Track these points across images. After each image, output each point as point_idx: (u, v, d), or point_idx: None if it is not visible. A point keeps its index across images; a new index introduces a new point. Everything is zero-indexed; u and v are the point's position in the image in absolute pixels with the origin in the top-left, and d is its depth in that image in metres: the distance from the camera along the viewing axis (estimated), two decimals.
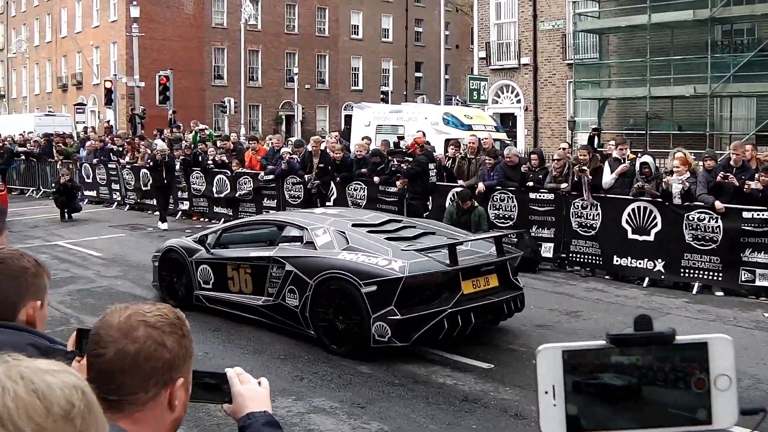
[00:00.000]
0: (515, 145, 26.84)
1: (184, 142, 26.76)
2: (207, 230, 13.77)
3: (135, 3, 44.78)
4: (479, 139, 19.35)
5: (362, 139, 23.65)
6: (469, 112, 27.92)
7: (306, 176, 20.37)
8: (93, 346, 2.15)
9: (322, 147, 20.88)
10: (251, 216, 20.00)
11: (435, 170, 18.24)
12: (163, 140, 26.12)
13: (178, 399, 2.18)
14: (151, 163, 23.51)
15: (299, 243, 11.35)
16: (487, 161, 17.59)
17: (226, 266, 12.08)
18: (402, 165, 18.24)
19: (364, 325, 10.00)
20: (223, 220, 23.10)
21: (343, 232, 11.07)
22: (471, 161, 18.43)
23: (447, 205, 17.29)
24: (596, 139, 24.82)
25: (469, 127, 25.02)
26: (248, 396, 2.53)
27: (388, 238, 10.99)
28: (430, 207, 18.06)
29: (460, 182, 17.78)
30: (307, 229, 11.38)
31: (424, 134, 20.88)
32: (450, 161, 19.06)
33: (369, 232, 11.21)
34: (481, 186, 17.05)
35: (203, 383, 2.49)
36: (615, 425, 1.64)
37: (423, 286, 10.13)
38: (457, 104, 40.08)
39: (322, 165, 20.22)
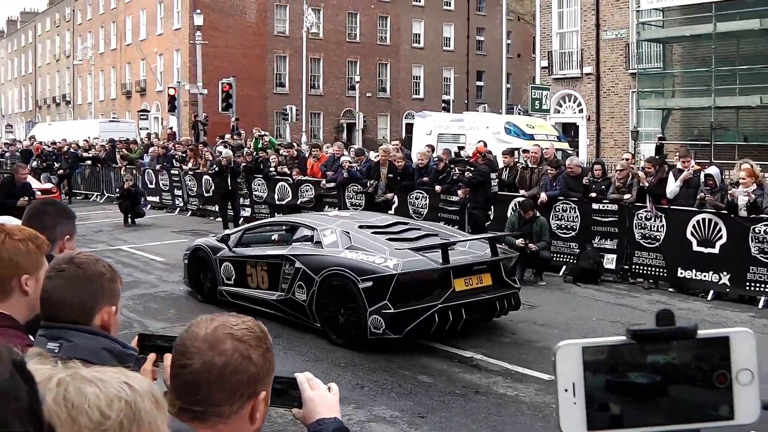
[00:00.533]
0: (577, 155, 26.63)
1: (246, 149, 26.93)
2: (231, 230, 14.85)
3: (199, 11, 45.26)
4: (541, 148, 19.20)
5: (424, 147, 23.63)
6: (531, 122, 27.82)
7: (372, 184, 20.26)
8: (178, 357, 2.18)
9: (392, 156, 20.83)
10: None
11: (497, 179, 18.16)
12: (226, 146, 26.34)
13: (259, 411, 2.21)
14: (216, 169, 23.74)
15: (310, 242, 12.28)
16: (549, 171, 17.47)
17: (245, 264, 12.90)
18: (464, 174, 18.16)
19: (361, 317, 10.76)
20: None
21: (348, 233, 11.89)
22: (533, 171, 18.29)
23: (509, 214, 17.20)
24: (662, 149, 24.49)
25: (531, 137, 24.91)
26: (318, 402, 2.54)
27: (389, 239, 11.74)
28: (491, 216, 17.98)
29: (522, 192, 17.66)
30: (316, 229, 12.30)
31: (485, 144, 20.80)
32: (507, 171, 18.86)
33: (373, 233, 12.00)
34: (543, 196, 16.93)
35: (273, 387, 2.51)
36: (636, 422, 1.61)
37: (415, 282, 10.85)
38: (519, 113, 39.93)
39: (391, 175, 20.05)
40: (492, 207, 18.06)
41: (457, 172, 18.67)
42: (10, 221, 4.56)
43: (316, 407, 2.53)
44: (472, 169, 17.91)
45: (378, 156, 20.86)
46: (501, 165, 19.08)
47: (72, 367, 1.45)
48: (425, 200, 19.67)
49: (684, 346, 1.61)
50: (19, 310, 3.05)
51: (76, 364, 1.47)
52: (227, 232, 14.59)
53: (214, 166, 24.13)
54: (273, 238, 13.69)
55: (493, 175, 18.02)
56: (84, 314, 2.87)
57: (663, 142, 25.70)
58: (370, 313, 10.65)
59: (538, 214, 16.04)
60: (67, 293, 2.85)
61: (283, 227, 14.00)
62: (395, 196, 20.09)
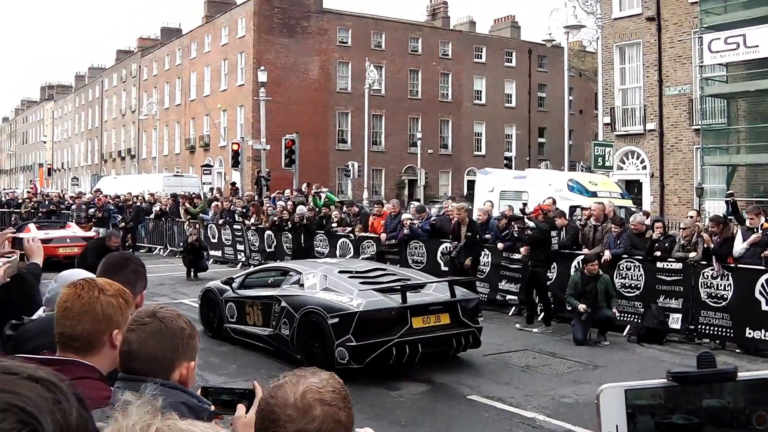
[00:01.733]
0: (641, 213, 26.41)
1: (308, 205, 27.17)
2: (236, 274, 16.59)
3: (263, 68, 45.91)
4: (604, 206, 19.09)
5: (484, 203, 23.59)
6: (594, 179, 27.68)
7: (455, 245, 19.00)
8: (269, 424, 2.23)
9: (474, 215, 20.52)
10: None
11: (557, 237, 18.06)
12: (304, 204, 26.60)
13: None
14: (289, 226, 23.98)
15: (296, 285, 13.94)
16: (613, 229, 17.36)
17: (245, 304, 14.61)
18: (524, 232, 18.10)
19: (329, 349, 12.26)
20: None
21: (326, 276, 13.60)
22: (596, 229, 18.17)
23: (572, 273, 17.09)
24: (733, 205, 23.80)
25: (594, 194, 24.77)
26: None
27: (361, 282, 13.35)
28: (554, 275, 17.88)
29: (585, 250, 17.54)
30: (302, 273, 14.12)
31: (554, 201, 20.75)
32: (564, 232, 18.67)
33: (349, 277, 13.61)
34: (607, 254, 16.80)
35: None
36: None
37: (375, 319, 12.31)
38: (582, 170, 39.74)
39: (470, 234, 18.83)
40: (554, 264, 17.97)
41: (517, 229, 18.61)
42: (83, 275, 4.66)
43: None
44: (532, 226, 17.85)
45: (453, 214, 20.08)
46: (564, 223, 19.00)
47: (170, 418, 1.51)
48: (488, 258, 19.58)
49: (725, 388, 1.62)
50: (106, 363, 3.12)
51: (173, 416, 1.52)
52: (233, 276, 16.08)
53: (288, 222, 24.32)
54: (269, 281, 15.26)
55: (553, 233, 17.93)
56: (164, 368, 2.92)
57: (734, 198, 25.16)
58: (336, 345, 12.18)
59: (602, 272, 15.92)
60: (148, 347, 2.90)
61: (279, 271, 15.70)
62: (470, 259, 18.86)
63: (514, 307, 18.88)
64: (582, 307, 15.26)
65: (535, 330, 16.66)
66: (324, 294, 13.05)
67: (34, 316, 4.25)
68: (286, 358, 13.23)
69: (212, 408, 2.95)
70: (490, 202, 23.86)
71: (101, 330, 3.09)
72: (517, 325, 17.17)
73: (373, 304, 12.45)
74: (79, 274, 4.70)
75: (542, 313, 17.27)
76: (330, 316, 12.36)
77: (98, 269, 4.28)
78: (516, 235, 18.67)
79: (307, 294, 13.35)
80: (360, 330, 12.14)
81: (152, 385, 2.83)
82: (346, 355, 12.07)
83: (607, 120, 37.74)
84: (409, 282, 13.56)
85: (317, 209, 26.08)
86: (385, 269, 15.06)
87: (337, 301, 12.66)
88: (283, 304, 13.47)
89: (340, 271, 13.92)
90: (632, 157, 37.21)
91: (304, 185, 33.63)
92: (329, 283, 13.34)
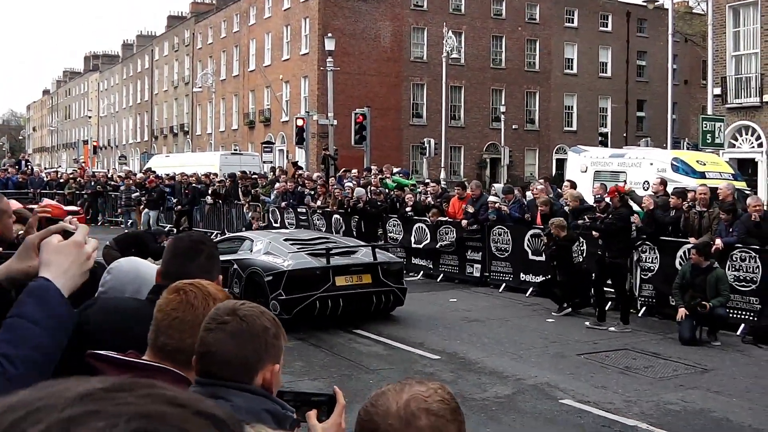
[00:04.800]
0: (756, 195, 25.97)
1: (377, 187, 27.18)
2: None
3: (330, 35, 45.84)
4: (710, 189, 18.73)
5: (570, 187, 23.33)
6: (702, 158, 27.26)
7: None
8: None
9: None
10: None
11: (635, 224, 17.80)
12: (354, 184, 26.68)
13: None
14: (348, 209, 24.10)
15: (249, 251, 17.42)
16: (722, 216, 17.04)
17: None
18: (596, 221, 17.76)
19: (267, 303, 15.16)
20: (422, 273, 23.42)
21: (270, 242, 17.32)
22: (702, 216, 17.85)
23: (677, 264, 16.87)
24: None
25: (702, 175, 24.41)
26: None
27: (299, 248, 17.00)
28: (657, 266, 17.65)
29: (691, 240, 17.27)
30: (253, 240, 17.86)
31: (663, 182, 20.51)
32: (674, 212, 18.45)
33: (291, 243, 17.36)
34: (718, 243, 16.50)
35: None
36: None
37: (302, 277, 15.87)
38: (687, 148, 39.19)
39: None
40: (632, 254, 17.80)
41: (587, 219, 18.36)
42: (143, 265, 4.67)
43: None
44: (608, 215, 17.55)
45: (567, 201, 19.98)
46: (672, 204, 18.74)
47: (259, 429, 1.50)
48: (583, 246, 19.27)
49: None
50: None
51: (263, 428, 1.51)
52: None
53: (349, 206, 24.40)
54: (230, 248, 17.97)
55: (632, 218, 17.67)
56: (246, 372, 2.86)
57: None
58: (270, 299, 15.63)
59: (715, 264, 15.64)
60: (229, 349, 2.82)
61: (238, 240, 18.88)
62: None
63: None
64: (682, 312, 15.04)
65: (611, 329, 16.40)
66: (265, 257, 16.73)
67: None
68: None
69: (295, 416, 2.93)
70: (570, 182, 23.54)
71: None
72: (587, 323, 16.82)
73: (301, 264, 16.11)
74: (134, 263, 4.70)
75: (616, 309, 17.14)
76: (266, 274, 16.09)
77: (167, 254, 4.21)
78: (587, 224, 18.34)
79: (252, 257, 16.99)
80: (289, 286, 15.73)
81: (233, 391, 2.82)
82: (278, 307, 15.43)
83: (718, 91, 37.08)
84: (338, 247, 17.35)
85: (389, 191, 26.08)
86: (328, 238, 19.09)
87: (272, 262, 16.38)
88: (235, 266, 16.86)
89: (285, 239, 17.83)
90: (746, 133, 36.58)
91: (373, 166, 33.58)
92: (271, 248, 17.00)
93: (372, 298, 16.53)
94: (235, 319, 2.86)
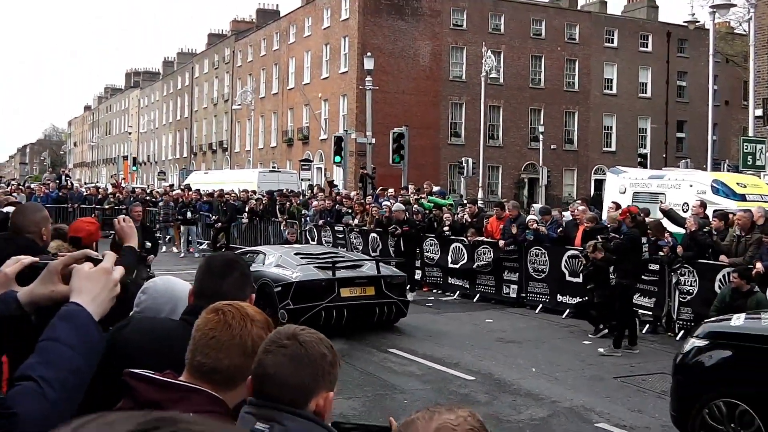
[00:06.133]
0: None
1: (416, 206, 27.16)
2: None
3: (369, 54, 45.92)
4: (752, 213, 18.53)
5: (608, 208, 23.24)
6: (744, 180, 26.97)
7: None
8: None
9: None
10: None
11: (647, 245, 17.68)
12: (392, 203, 26.64)
13: None
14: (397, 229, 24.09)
15: (261, 263, 18.48)
16: (764, 238, 16.87)
17: None
18: (608, 240, 17.67)
19: (276, 312, 16.60)
20: (458, 293, 23.36)
21: (281, 256, 18.51)
22: (740, 240, 17.66)
23: (717, 287, 16.72)
24: None
25: (743, 198, 24.16)
26: None
27: (308, 261, 18.11)
28: (696, 289, 17.49)
29: (723, 258, 17.17)
30: (266, 254, 19.13)
31: (703, 204, 20.36)
32: (717, 234, 18.31)
33: (300, 257, 18.54)
34: (759, 266, 16.31)
35: None
36: None
37: (308, 288, 16.94)
38: (728, 170, 38.85)
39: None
40: (641, 276, 17.76)
41: (599, 239, 18.21)
42: (178, 284, 4.66)
43: None
44: (618, 236, 17.47)
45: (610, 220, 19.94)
46: (713, 226, 18.61)
47: None
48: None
49: None
50: (238, 398, 3.10)
51: None
52: None
53: (395, 226, 24.26)
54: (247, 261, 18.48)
55: (644, 239, 17.57)
56: (300, 397, 2.87)
57: None
58: (279, 308, 16.80)
59: (756, 288, 15.46)
60: (286, 372, 2.84)
61: (253, 253, 20.01)
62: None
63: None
64: None
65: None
66: (275, 269, 17.84)
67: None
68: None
69: None
70: (614, 203, 23.45)
71: (248, 365, 3.07)
72: (601, 350, 16.32)
73: (308, 276, 17.21)
74: (170, 283, 4.71)
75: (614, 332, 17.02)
76: (276, 285, 17.13)
77: (200, 273, 4.22)
78: (589, 246, 18.21)
79: (264, 269, 17.93)
80: (296, 296, 16.85)
81: (287, 415, 2.82)
82: (286, 316, 16.55)
83: (759, 112, 36.72)
84: (344, 260, 18.70)
85: (427, 211, 26.05)
86: (336, 253, 20.33)
87: (282, 273, 17.49)
88: None
89: (296, 253, 19.06)
90: None
91: (411, 185, 33.54)
92: (281, 261, 18.19)
93: (375, 309, 17.59)
94: (294, 343, 2.88)
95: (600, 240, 18.19)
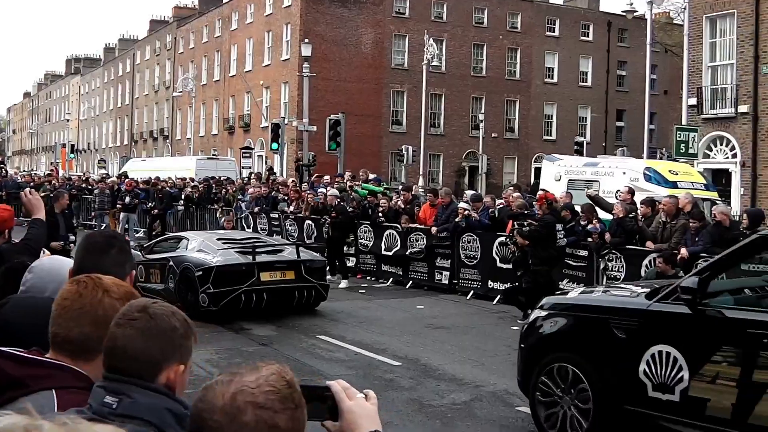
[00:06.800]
0: (728, 206, 25.96)
1: (351, 192, 27.13)
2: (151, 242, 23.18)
3: (307, 41, 45.85)
4: (676, 198, 18.72)
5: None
6: (675, 168, 27.26)
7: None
8: (196, 431, 2.15)
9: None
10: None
11: (563, 232, 17.86)
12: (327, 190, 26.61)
13: None
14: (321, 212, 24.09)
15: (185, 249, 18.58)
16: (691, 224, 17.03)
17: (149, 266, 19.16)
18: (522, 227, 17.86)
19: (197, 296, 17.03)
20: (391, 280, 23.37)
21: (204, 241, 18.70)
22: (665, 226, 17.83)
23: (643, 272, 16.89)
24: None
25: (675, 185, 24.41)
26: (359, 413, 2.49)
27: (228, 246, 18.24)
28: (623, 275, 17.66)
29: (649, 244, 17.38)
30: (189, 239, 19.20)
31: (631, 191, 20.52)
32: (643, 221, 18.50)
33: (223, 243, 18.54)
34: (684, 252, 16.48)
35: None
36: None
37: (228, 272, 17.11)
38: (662, 158, 39.23)
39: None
40: (557, 264, 18.03)
41: (516, 226, 18.37)
42: (65, 264, 4.59)
43: (357, 420, 2.47)
44: (532, 222, 17.64)
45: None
46: (640, 213, 18.80)
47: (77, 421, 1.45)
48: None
49: None
50: (100, 370, 3.05)
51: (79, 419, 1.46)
52: (148, 244, 22.17)
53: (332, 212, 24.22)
54: (171, 247, 19.55)
55: (559, 227, 17.73)
56: (151, 370, 2.84)
57: None
58: (200, 292, 17.00)
59: (680, 273, 15.58)
60: (136, 345, 2.79)
61: (176, 239, 20.36)
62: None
63: None
64: None
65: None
66: (197, 254, 17.98)
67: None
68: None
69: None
70: (544, 190, 23.66)
71: (101, 335, 3.01)
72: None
73: (228, 260, 17.41)
74: (57, 262, 4.64)
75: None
76: (197, 269, 17.23)
77: (79, 251, 4.18)
78: (515, 232, 18.40)
79: (186, 254, 18.18)
80: (216, 280, 16.96)
81: (135, 388, 2.77)
82: (206, 300, 16.91)
83: (693, 102, 37.12)
84: (265, 245, 18.81)
85: (362, 198, 26.03)
86: (259, 238, 20.56)
87: (203, 258, 17.62)
88: (171, 263, 18.18)
89: (218, 239, 19.10)
90: (721, 144, 36.70)
91: (347, 172, 33.51)
92: (203, 246, 18.32)
93: (295, 293, 17.89)
94: (144, 316, 2.80)
95: (516, 227, 18.33)
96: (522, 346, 10.52)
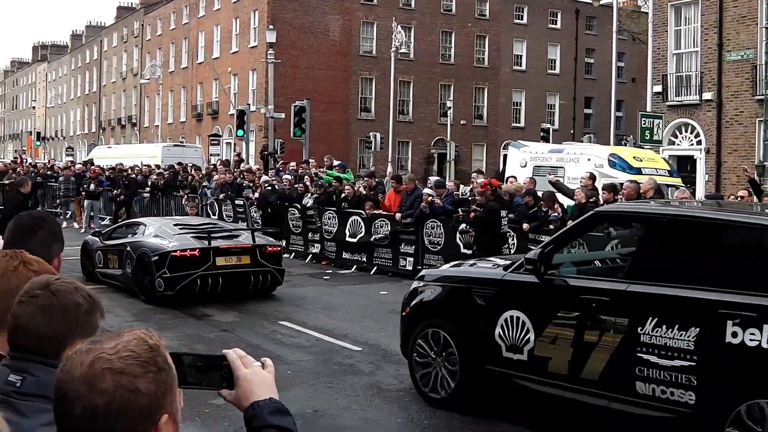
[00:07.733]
0: (693, 193, 26.11)
1: (311, 178, 27.14)
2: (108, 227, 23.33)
3: (272, 27, 45.72)
4: (637, 183, 18.81)
5: (507, 180, 23.53)
6: (640, 154, 27.40)
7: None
8: (58, 402, 2.11)
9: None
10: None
11: (507, 218, 17.99)
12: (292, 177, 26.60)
13: None
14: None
15: (141, 234, 18.81)
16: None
17: (107, 251, 19.51)
18: (468, 213, 18.05)
19: (153, 281, 17.24)
20: (355, 267, 23.37)
21: (160, 227, 18.93)
22: None
23: None
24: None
25: (639, 171, 24.52)
26: (254, 381, 2.52)
27: (185, 231, 18.35)
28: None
29: (525, 226, 17.66)
30: (146, 225, 19.41)
31: (593, 177, 20.60)
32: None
33: (179, 228, 18.73)
34: None
35: (198, 366, 2.47)
36: None
37: (184, 257, 17.21)
38: (626, 144, 39.42)
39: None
40: (500, 250, 18.19)
41: (461, 212, 18.54)
42: None
43: (252, 387, 2.50)
44: (479, 207, 17.77)
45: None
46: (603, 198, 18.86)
47: None
48: (513, 239, 19.42)
49: None
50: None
51: None
52: (107, 230, 21.60)
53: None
54: (126, 232, 19.94)
55: (503, 213, 17.83)
56: (54, 347, 2.81)
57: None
58: (156, 277, 17.15)
59: None
60: (37, 322, 2.76)
61: (134, 225, 20.47)
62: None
63: None
64: None
65: None
66: (153, 239, 18.16)
67: None
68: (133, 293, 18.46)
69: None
70: (514, 177, 23.74)
71: (10, 306, 2.98)
72: None
73: (184, 245, 17.50)
74: None
75: None
76: (153, 254, 17.40)
77: (8, 232, 4.15)
78: (461, 217, 18.61)
79: (143, 240, 18.38)
80: (172, 265, 17.09)
81: (38, 366, 2.75)
82: (162, 284, 17.10)
83: (659, 89, 37.30)
84: (221, 230, 18.96)
85: (327, 184, 26.03)
86: (215, 224, 20.85)
87: (159, 243, 17.78)
88: (128, 248, 18.37)
89: (175, 224, 19.39)
90: (685, 131, 36.88)
91: (312, 159, 33.51)
92: (159, 231, 18.54)
93: (250, 277, 18.03)
94: (46, 293, 2.78)
95: (461, 213, 18.47)
96: (402, 314, 11.46)
